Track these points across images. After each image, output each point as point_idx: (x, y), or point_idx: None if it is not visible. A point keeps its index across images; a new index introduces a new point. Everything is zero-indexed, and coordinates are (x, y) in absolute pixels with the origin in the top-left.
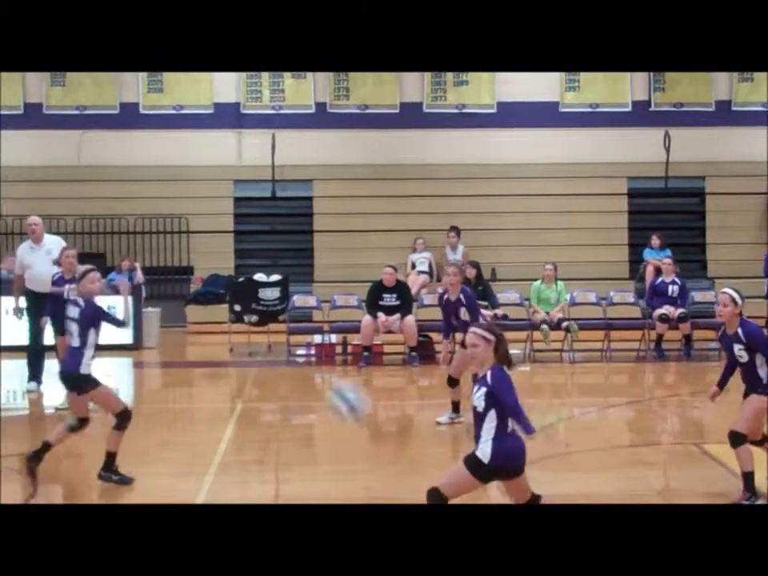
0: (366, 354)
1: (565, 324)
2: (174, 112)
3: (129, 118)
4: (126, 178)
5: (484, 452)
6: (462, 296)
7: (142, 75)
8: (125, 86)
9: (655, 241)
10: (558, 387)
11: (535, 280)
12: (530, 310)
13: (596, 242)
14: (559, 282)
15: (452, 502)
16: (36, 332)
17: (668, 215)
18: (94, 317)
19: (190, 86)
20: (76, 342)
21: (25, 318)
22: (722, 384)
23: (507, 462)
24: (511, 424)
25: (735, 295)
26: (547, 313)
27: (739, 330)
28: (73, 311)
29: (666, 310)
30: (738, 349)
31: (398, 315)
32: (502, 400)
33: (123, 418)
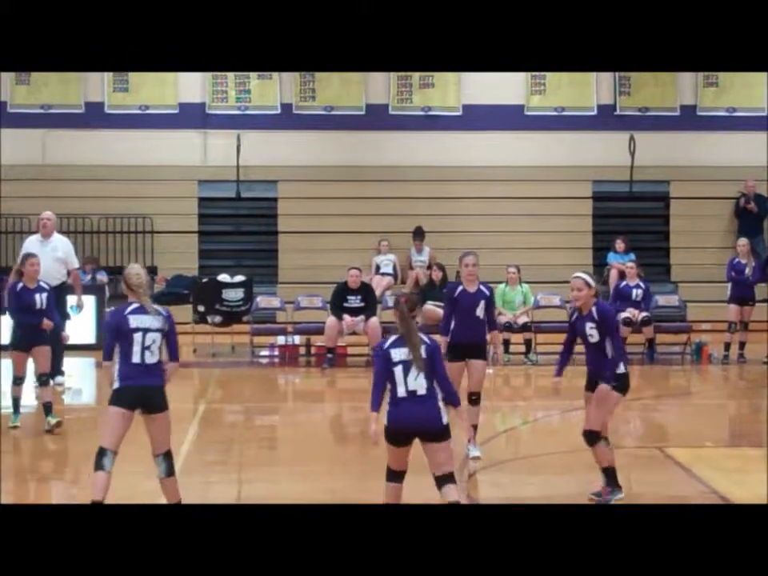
0: (329, 355)
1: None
2: (139, 112)
3: (94, 117)
4: (90, 177)
5: (385, 417)
6: (483, 288)
7: (108, 74)
8: (90, 86)
9: (619, 245)
10: (521, 390)
11: (499, 282)
12: (495, 312)
13: (560, 246)
14: (524, 285)
15: (399, 468)
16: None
17: (632, 219)
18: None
19: (155, 85)
20: (157, 357)
21: None
22: (561, 371)
23: (403, 424)
24: (404, 390)
25: (587, 278)
26: (513, 315)
27: (593, 309)
28: (154, 321)
29: (629, 313)
30: (589, 327)
31: (362, 317)
32: None
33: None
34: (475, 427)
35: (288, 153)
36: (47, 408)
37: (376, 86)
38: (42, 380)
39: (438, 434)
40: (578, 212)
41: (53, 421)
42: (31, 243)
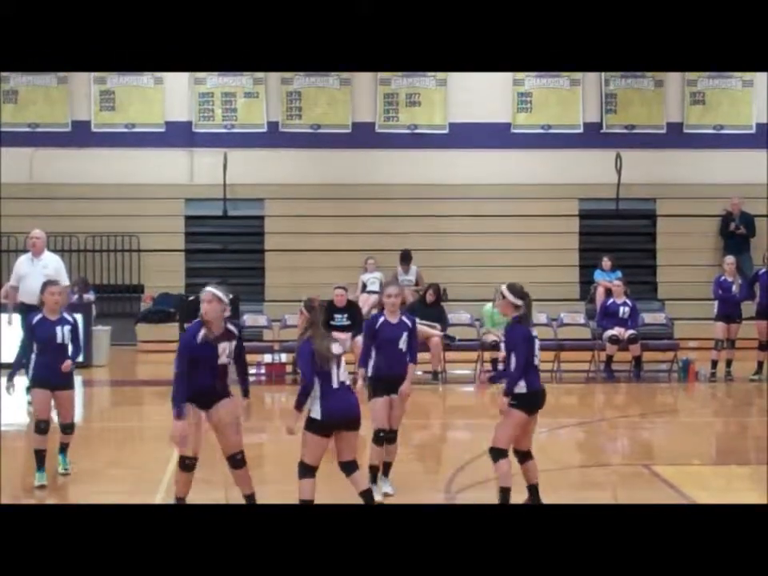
0: None
1: None
2: (125, 130)
3: (81, 135)
4: (77, 195)
5: (315, 411)
6: (405, 320)
7: (95, 93)
8: (77, 104)
9: (606, 262)
10: None
11: (486, 301)
12: (482, 331)
13: (547, 263)
14: None
15: (312, 463)
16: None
17: (619, 237)
18: None
19: (141, 104)
20: None
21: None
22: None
23: (340, 414)
24: (336, 381)
25: (505, 291)
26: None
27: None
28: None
29: (616, 331)
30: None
31: (348, 335)
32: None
33: None
34: (389, 465)
35: (274, 171)
36: (63, 447)
37: (362, 105)
38: (67, 431)
39: (359, 421)
40: (564, 230)
41: (60, 468)
42: (21, 262)
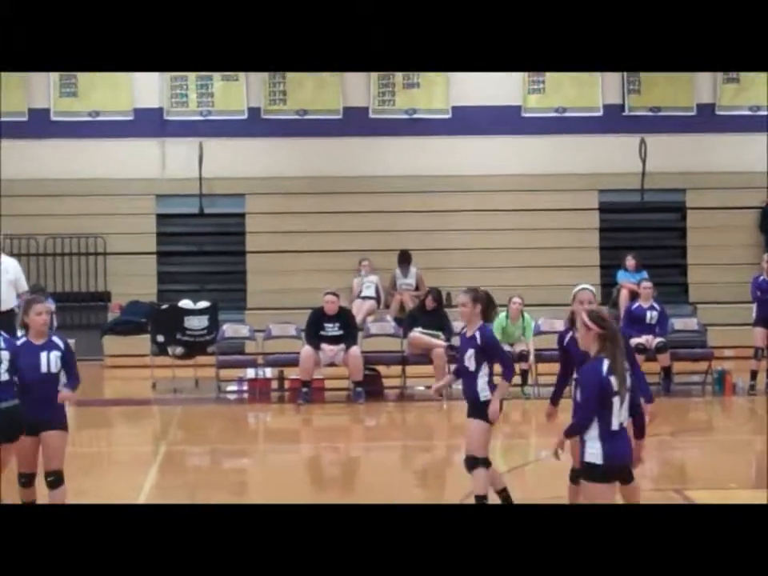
0: (305, 389)
1: None
2: (89, 119)
3: (38, 125)
4: (35, 192)
5: (593, 454)
6: (478, 334)
7: (54, 77)
8: (34, 90)
9: (630, 261)
10: (523, 425)
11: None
12: None
13: (563, 264)
14: (526, 317)
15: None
16: None
17: (644, 232)
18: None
19: (107, 89)
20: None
21: None
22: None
23: (618, 461)
24: (617, 421)
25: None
26: (511, 345)
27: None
28: None
29: (642, 339)
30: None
31: (341, 346)
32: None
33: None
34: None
35: (256, 163)
36: None
37: (354, 87)
38: (51, 480)
39: (631, 470)
40: (583, 225)
41: None
42: None
